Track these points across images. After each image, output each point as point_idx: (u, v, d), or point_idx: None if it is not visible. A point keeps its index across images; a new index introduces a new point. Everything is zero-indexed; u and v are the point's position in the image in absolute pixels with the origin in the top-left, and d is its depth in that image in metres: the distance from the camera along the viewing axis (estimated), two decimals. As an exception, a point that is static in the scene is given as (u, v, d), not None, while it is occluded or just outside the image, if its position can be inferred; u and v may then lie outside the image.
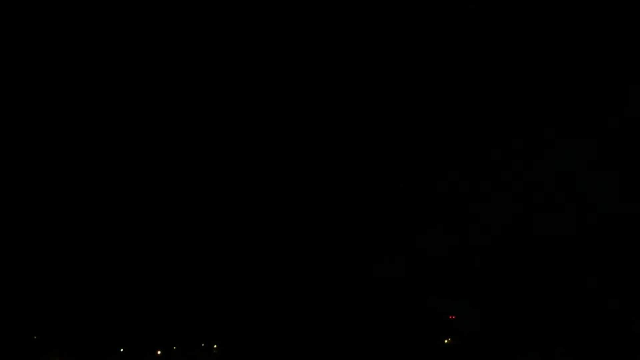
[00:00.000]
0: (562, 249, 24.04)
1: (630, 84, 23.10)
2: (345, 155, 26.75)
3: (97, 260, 27.26)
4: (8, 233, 27.55)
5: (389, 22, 24.75)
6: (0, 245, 27.49)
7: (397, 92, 26.10)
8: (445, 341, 25.28)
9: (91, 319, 26.05)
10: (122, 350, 25.08)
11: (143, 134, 28.26)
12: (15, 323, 27.36)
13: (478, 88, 24.82)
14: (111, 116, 29.21)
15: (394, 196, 26.62)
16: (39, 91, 28.29)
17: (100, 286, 26.69)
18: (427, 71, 25.46)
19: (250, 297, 27.47)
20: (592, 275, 23.37)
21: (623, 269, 23.28)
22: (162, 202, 29.22)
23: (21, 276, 29.49)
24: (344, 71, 26.72)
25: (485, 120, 24.71)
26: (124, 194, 28.30)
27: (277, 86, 26.53)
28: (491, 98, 24.76)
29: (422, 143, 25.86)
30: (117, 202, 27.93)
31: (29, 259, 27.91)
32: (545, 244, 24.32)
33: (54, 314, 26.82)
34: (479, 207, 24.89)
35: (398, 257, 25.65)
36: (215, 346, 25.49)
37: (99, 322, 26.13)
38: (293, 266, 27.28)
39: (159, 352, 24.98)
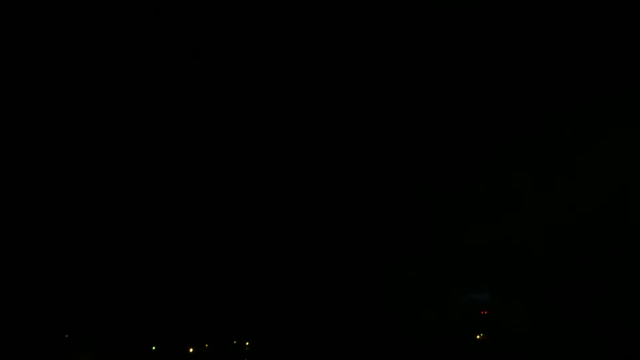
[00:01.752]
0: (604, 248, 23.90)
1: None
2: (393, 150, 26.51)
3: (128, 257, 27.41)
4: (36, 235, 27.66)
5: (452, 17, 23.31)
6: (28, 246, 27.64)
7: (444, 86, 25.86)
8: (478, 337, 25.25)
9: (122, 317, 26.26)
10: (153, 348, 25.33)
11: (143, 134, 28.27)
12: (45, 321, 27.56)
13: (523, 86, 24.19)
14: (110, 116, 29.30)
15: (434, 191, 26.51)
16: (38, 91, 28.54)
17: (131, 284, 26.84)
18: (458, 68, 25.22)
19: (283, 294, 27.57)
20: (633, 277, 23.23)
21: None
22: (188, 200, 29.26)
23: (50, 276, 29.67)
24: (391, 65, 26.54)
25: (541, 115, 24.03)
26: (146, 194, 28.30)
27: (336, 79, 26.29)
28: (542, 96, 24.16)
29: (467, 139, 25.69)
30: (138, 201, 28.01)
31: (58, 260, 28.02)
32: (587, 242, 24.17)
33: (85, 312, 26.99)
34: (518, 202, 24.55)
35: (431, 251, 25.73)
36: (247, 343, 25.76)
37: (130, 320, 26.32)
38: (327, 262, 27.30)
39: (190, 350, 25.28)
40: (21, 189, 28.60)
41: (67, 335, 27.08)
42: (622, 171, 23.12)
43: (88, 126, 29.92)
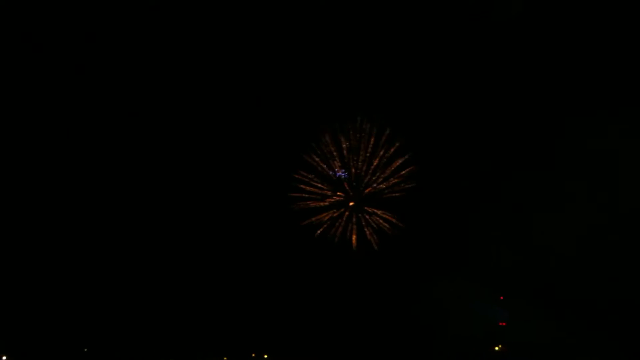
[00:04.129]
0: (626, 264, 24.57)
1: None
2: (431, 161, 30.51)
3: (149, 275, 27.19)
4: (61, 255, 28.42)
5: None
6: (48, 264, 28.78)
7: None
8: (496, 348, 24.78)
9: (142, 332, 26.83)
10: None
11: (143, 134, 29.52)
12: (64, 336, 27.13)
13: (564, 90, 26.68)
14: (110, 116, 31.25)
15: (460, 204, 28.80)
16: (38, 91, 30.98)
17: (150, 300, 26.97)
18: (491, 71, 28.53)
19: (303, 306, 25.86)
20: None
21: None
22: (207, 215, 28.87)
23: (69, 292, 27.58)
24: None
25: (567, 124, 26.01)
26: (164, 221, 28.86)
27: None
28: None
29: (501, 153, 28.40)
30: (167, 219, 28.00)
31: (78, 278, 28.14)
32: (609, 258, 24.79)
33: (105, 327, 27.08)
34: (542, 218, 25.85)
35: (459, 264, 26.84)
36: (265, 356, 25.36)
37: (150, 336, 26.65)
38: (342, 275, 26.31)
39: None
40: (22, 194, 30.66)
41: (85, 350, 26.77)
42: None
43: (87, 126, 30.39)
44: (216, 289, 28.57)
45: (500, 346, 25.49)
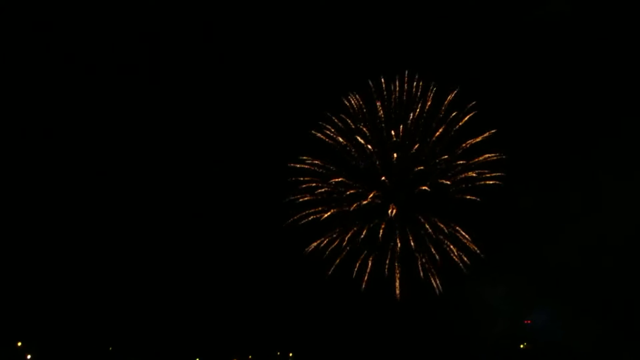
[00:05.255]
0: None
1: None
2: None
3: (178, 274, 27.42)
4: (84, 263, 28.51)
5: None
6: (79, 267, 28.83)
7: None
8: (522, 346, 24.84)
9: (169, 330, 26.82)
10: (198, 359, 25.59)
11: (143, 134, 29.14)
12: (93, 336, 27.29)
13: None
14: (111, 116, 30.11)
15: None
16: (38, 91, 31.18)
17: (178, 299, 27.17)
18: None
19: (330, 306, 25.92)
20: None
21: None
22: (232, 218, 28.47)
23: (93, 294, 27.79)
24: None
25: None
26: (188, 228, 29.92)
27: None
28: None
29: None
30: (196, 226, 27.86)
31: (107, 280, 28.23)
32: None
33: (131, 324, 27.25)
34: (575, 217, 25.69)
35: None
36: (290, 354, 25.17)
37: (176, 333, 26.77)
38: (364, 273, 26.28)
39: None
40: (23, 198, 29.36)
41: (110, 348, 26.89)
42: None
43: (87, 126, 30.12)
44: (242, 289, 27.06)
45: (525, 344, 25.92)
